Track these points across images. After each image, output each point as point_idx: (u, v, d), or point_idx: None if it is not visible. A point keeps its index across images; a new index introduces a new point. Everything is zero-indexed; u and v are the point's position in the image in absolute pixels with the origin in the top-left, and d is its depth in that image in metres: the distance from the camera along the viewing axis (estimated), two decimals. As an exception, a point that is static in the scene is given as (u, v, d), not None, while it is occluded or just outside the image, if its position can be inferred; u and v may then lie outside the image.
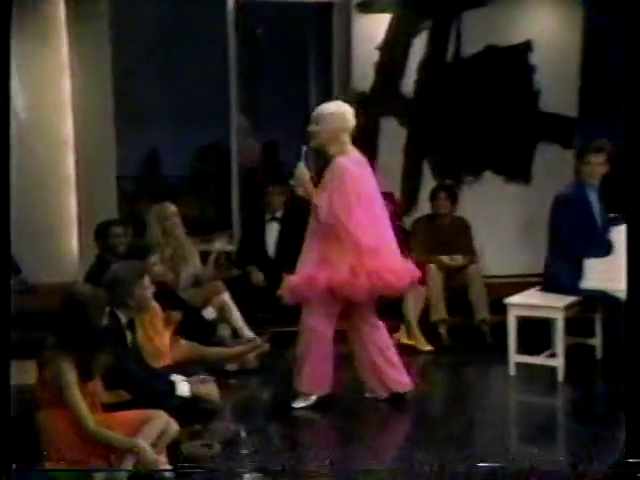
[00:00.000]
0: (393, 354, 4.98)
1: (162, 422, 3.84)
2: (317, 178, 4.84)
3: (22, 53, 6.72)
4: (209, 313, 5.78)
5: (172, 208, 6.01)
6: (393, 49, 7.09)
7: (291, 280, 4.80)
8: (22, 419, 3.84)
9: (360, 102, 7.10)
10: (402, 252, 4.89)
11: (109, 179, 7.14)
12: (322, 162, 4.97)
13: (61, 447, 3.67)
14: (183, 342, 5.10)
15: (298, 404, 4.86)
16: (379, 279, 4.65)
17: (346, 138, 4.79)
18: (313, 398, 4.87)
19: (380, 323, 4.98)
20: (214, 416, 4.35)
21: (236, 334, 5.85)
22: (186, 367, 4.75)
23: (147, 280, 4.36)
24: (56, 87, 6.88)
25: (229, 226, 7.50)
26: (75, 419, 3.66)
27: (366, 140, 7.18)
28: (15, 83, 6.77)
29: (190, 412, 4.17)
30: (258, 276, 6.38)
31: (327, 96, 7.59)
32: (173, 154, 9.09)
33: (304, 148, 4.79)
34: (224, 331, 5.85)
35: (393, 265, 4.74)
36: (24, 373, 4.04)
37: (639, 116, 3.34)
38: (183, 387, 4.20)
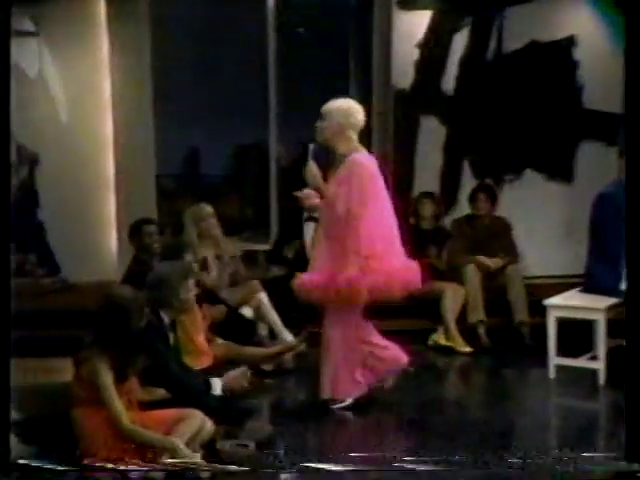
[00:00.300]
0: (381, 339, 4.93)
1: (197, 421, 3.89)
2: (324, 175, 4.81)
3: (63, 54, 6.87)
4: (246, 312, 5.81)
5: (208, 209, 6.03)
6: (434, 46, 7.07)
7: (302, 278, 4.80)
8: (59, 416, 3.93)
9: (399, 100, 7.13)
10: (409, 253, 4.85)
11: (148, 178, 7.25)
12: (325, 159, 4.92)
13: (97, 445, 3.73)
14: (220, 341, 5.16)
15: (335, 405, 4.86)
16: (386, 280, 4.64)
17: (353, 135, 4.74)
18: (349, 400, 4.86)
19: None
20: (250, 416, 4.38)
21: (273, 334, 5.87)
22: (223, 367, 4.81)
23: (191, 282, 4.42)
24: (96, 87, 7.01)
25: (267, 225, 7.55)
26: (110, 417, 3.72)
27: (405, 138, 7.22)
28: (56, 83, 6.92)
29: (226, 411, 4.21)
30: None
31: (367, 94, 7.62)
32: (212, 153, 9.16)
33: (311, 146, 4.78)
34: (261, 331, 5.88)
35: (399, 266, 4.72)
36: (61, 371, 4.11)
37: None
38: (216, 385, 4.24)
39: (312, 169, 4.73)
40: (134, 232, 5.78)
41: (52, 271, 6.52)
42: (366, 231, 4.60)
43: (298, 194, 4.83)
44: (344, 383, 4.81)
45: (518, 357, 5.98)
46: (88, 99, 6.98)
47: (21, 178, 6.33)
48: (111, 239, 7.01)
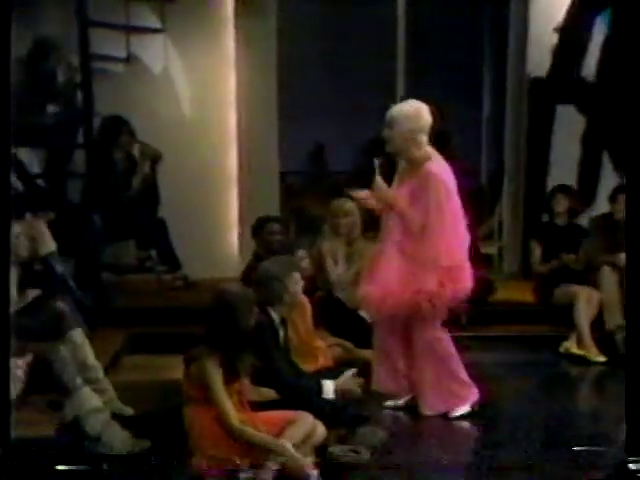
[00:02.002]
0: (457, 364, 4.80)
1: (308, 424, 3.94)
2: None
3: (188, 50, 7.12)
4: (364, 314, 5.82)
5: (346, 206, 6.03)
6: (573, 29, 6.88)
7: (370, 291, 4.74)
8: (170, 413, 4.08)
9: (535, 88, 6.99)
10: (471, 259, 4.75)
11: (272, 175, 7.41)
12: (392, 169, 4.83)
13: (206, 444, 3.84)
14: (334, 341, 5.22)
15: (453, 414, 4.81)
16: (462, 292, 4.63)
17: (424, 139, 4.62)
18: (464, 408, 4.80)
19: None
20: (364, 421, 4.40)
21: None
22: (338, 370, 4.87)
23: (298, 275, 4.49)
24: (221, 83, 7.23)
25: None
26: (220, 416, 3.82)
27: (540, 129, 7.08)
28: (180, 80, 7.18)
29: (338, 416, 4.25)
30: None
31: (501, 83, 7.51)
32: (339, 149, 9.26)
33: (376, 161, 4.65)
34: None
35: (470, 277, 4.67)
36: (178, 368, 4.24)
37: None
38: (328, 388, 4.28)
39: (381, 185, 4.65)
40: (257, 230, 5.92)
41: (173, 268, 6.71)
42: (445, 242, 4.56)
43: (356, 195, 4.81)
44: (441, 396, 4.75)
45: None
46: (212, 95, 7.20)
47: (143, 175, 6.57)
48: (233, 236, 7.22)
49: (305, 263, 5.27)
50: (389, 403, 4.87)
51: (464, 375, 4.76)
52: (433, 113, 4.63)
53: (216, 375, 3.81)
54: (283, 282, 4.40)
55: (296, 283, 4.47)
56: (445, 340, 4.74)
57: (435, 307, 4.58)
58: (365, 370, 4.95)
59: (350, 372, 4.62)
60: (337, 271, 5.93)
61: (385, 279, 4.68)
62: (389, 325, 4.79)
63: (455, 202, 4.62)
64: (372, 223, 6.80)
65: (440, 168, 4.61)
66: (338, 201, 6.07)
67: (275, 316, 4.39)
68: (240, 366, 3.89)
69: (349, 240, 6.00)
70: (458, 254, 4.61)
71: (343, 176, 9.53)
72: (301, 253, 5.27)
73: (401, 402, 4.88)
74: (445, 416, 4.75)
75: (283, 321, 4.46)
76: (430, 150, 4.65)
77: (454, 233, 4.61)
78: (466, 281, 4.64)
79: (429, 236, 4.55)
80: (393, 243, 4.68)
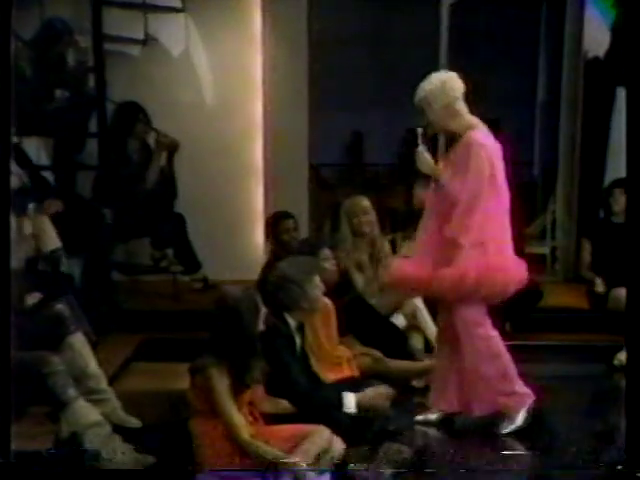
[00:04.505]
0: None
1: (324, 439, 3.94)
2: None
3: (211, 30, 7.15)
4: (398, 321, 5.81)
5: (364, 203, 6.05)
6: (636, 4, 6.79)
7: (400, 263, 4.84)
8: (176, 425, 4.12)
9: (591, 69, 6.91)
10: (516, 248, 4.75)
11: (300, 168, 7.40)
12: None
13: (215, 457, 3.87)
14: (363, 349, 5.21)
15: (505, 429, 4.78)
16: (491, 284, 4.58)
17: (461, 106, 4.65)
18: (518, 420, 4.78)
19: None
20: (388, 438, 4.39)
21: (429, 346, 5.84)
22: (364, 381, 4.86)
23: (317, 278, 4.49)
24: (246, 66, 7.25)
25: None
26: (228, 430, 3.84)
27: (597, 115, 6.99)
28: (202, 63, 7.22)
29: (359, 431, 4.25)
30: None
31: (557, 64, 7.43)
32: (378, 139, 9.24)
33: (420, 130, 4.72)
34: (416, 342, 5.85)
35: (512, 261, 4.66)
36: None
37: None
38: (349, 400, 4.28)
39: (423, 155, 4.70)
40: (272, 226, 5.95)
41: (192, 268, 6.73)
42: (473, 219, 4.53)
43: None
44: (498, 396, 4.73)
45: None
46: (236, 80, 7.22)
47: (159, 166, 6.54)
48: (257, 234, 7.22)
49: (330, 264, 5.26)
50: (420, 418, 4.86)
51: (515, 376, 4.75)
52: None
53: (223, 385, 3.84)
54: (301, 286, 4.41)
55: (316, 287, 4.47)
56: (495, 338, 4.73)
57: (455, 292, 4.58)
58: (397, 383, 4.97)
59: (381, 387, 4.59)
60: (364, 276, 5.92)
61: (416, 252, 4.79)
62: (445, 335, 4.83)
63: (498, 179, 4.60)
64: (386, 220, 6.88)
65: (484, 137, 4.63)
66: (354, 199, 6.07)
67: (292, 322, 4.39)
68: (248, 375, 3.91)
69: (371, 239, 6.00)
70: (487, 236, 4.56)
71: (383, 168, 9.56)
72: (326, 253, 5.25)
73: (433, 417, 4.87)
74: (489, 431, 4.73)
75: (301, 327, 4.46)
76: (473, 119, 4.68)
77: (488, 211, 4.57)
78: (498, 272, 4.58)
79: (459, 209, 4.55)
80: (432, 216, 4.75)
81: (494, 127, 6.41)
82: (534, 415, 4.76)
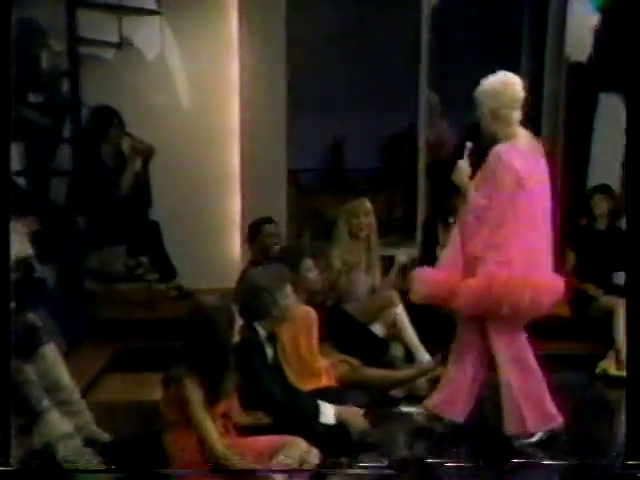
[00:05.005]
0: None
1: (300, 450, 3.95)
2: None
3: (187, 33, 7.13)
4: (377, 329, 5.82)
5: (367, 205, 6.05)
6: (619, 8, 6.83)
7: (425, 272, 4.88)
8: (149, 437, 4.10)
9: (574, 74, 6.94)
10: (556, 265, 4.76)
11: (278, 173, 7.38)
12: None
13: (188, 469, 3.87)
14: (341, 357, 5.22)
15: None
16: (526, 293, 4.57)
17: (512, 115, 4.64)
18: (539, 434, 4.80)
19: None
20: (367, 449, 4.39)
21: (410, 355, 5.85)
22: (343, 391, 4.87)
23: (289, 287, 4.49)
24: (223, 70, 7.22)
25: (414, 229, 7.53)
26: (202, 442, 3.83)
27: (580, 119, 7.02)
28: (177, 66, 7.20)
29: (337, 442, 4.25)
30: None
31: (539, 68, 7.46)
32: (360, 144, 9.21)
33: (469, 144, 4.75)
34: (396, 351, 5.86)
35: (543, 278, 4.62)
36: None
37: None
38: (328, 412, 4.28)
39: (461, 167, 4.71)
40: (253, 233, 5.94)
41: (167, 276, 6.71)
42: (492, 235, 4.55)
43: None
44: (531, 413, 4.75)
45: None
46: (213, 84, 7.20)
47: (134, 173, 6.54)
48: (234, 241, 7.21)
49: (313, 274, 5.26)
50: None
51: (546, 395, 4.79)
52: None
53: (197, 396, 3.83)
54: (272, 294, 4.40)
55: (287, 296, 4.47)
56: (527, 354, 4.79)
57: (477, 305, 4.62)
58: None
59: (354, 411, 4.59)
60: (353, 279, 5.92)
61: (442, 263, 4.85)
62: (467, 347, 4.86)
63: (527, 191, 4.57)
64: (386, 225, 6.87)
65: (509, 152, 4.59)
66: (357, 200, 6.07)
67: (262, 331, 4.39)
68: (222, 386, 3.91)
69: (368, 245, 5.99)
70: (514, 253, 4.55)
71: (365, 174, 9.54)
72: (309, 263, 5.23)
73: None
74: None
75: (272, 337, 4.46)
76: (518, 131, 4.68)
77: (517, 229, 4.57)
78: (525, 288, 4.56)
79: (484, 227, 4.57)
80: (459, 227, 4.79)
81: (475, 132, 6.46)
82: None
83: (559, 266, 4.84)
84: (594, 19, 6.83)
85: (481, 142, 4.77)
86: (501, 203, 4.54)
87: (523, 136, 4.70)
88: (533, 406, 4.76)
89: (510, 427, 4.76)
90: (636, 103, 3.63)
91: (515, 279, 4.53)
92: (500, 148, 4.59)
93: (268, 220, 6.01)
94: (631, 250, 3.58)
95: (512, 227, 4.54)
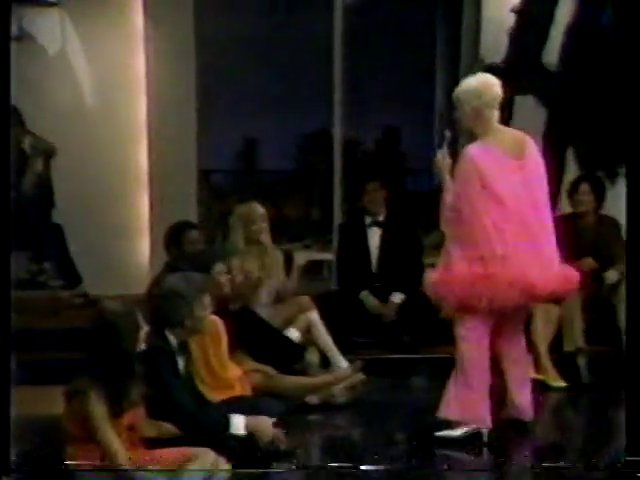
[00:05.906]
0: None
1: (208, 462, 3.90)
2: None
3: (89, 26, 7.04)
4: (292, 334, 5.81)
5: (259, 210, 6.06)
6: (533, 10, 6.96)
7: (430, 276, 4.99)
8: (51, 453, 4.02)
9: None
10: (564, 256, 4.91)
11: (188, 175, 7.36)
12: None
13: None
14: (254, 366, 5.19)
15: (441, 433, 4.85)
16: (505, 286, 4.66)
17: (490, 115, 4.80)
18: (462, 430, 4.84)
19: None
20: (279, 459, 4.38)
21: (326, 360, 5.86)
22: (257, 400, 4.84)
23: (208, 298, 4.45)
24: (129, 66, 7.19)
25: (330, 230, 7.56)
26: (106, 456, 3.77)
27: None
28: (80, 61, 7.10)
29: (248, 453, 4.23)
30: (373, 302, 6.47)
31: (453, 69, 7.56)
32: (270, 145, 9.24)
33: (447, 133, 4.88)
34: (311, 356, 5.87)
35: (529, 273, 4.70)
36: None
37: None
38: (237, 422, 4.26)
39: (440, 159, 4.83)
40: (173, 238, 5.87)
41: (71, 283, 6.65)
42: (475, 233, 4.66)
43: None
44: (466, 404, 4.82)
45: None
46: (118, 81, 7.17)
47: (35, 173, 6.46)
48: (143, 246, 7.17)
49: (224, 278, 5.22)
50: (442, 434, 4.85)
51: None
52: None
53: (100, 409, 3.76)
54: (189, 303, 4.35)
55: (204, 308, 4.41)
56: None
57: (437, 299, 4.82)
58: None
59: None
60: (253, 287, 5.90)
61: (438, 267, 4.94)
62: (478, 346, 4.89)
63: (497, 191, 4.67)
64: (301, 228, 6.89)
65: (481, 148, 4.73)
66: (249, 205, 6.07)
67: (173, 340, 4.34)
68: (126, 397, 3.85)
69: (263, 249, 5.99)
70: (488, 249, 4.65)
71: (278, 175, 9.58)
72: (221, 267, 5.19)
73: (456, 433, 4.87)
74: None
75: (183, 346, 4.41)
76: (495, 129, 4.82)
77: (488, 225, 4.65)
78: (500, 284, 4.64)
79: (456, 219, 4.70)
80: (445, 227, 4.88)
81: (394, 136, 6.54)
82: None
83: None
84: (510, 19, 6.93)
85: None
86: (471, 202, 4.66)
87: (503, 134, 4.85)
88: (474, 401, 4.82)
89: (443, 411, 4.84)
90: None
91: (492, 275, 4.64)
92: (470, 148, 4.75)
93: (190, 225, 5.97)
94: (631, 250, 3.66)
95: (483, 225, 4.65)
